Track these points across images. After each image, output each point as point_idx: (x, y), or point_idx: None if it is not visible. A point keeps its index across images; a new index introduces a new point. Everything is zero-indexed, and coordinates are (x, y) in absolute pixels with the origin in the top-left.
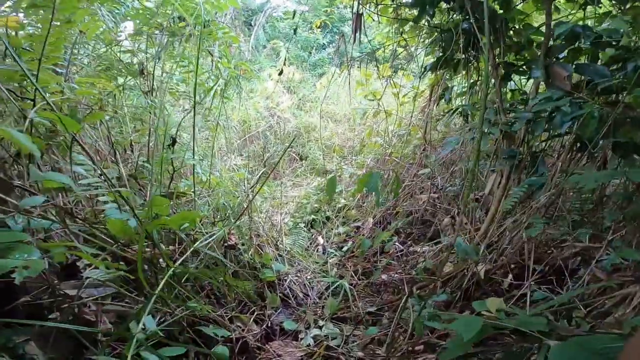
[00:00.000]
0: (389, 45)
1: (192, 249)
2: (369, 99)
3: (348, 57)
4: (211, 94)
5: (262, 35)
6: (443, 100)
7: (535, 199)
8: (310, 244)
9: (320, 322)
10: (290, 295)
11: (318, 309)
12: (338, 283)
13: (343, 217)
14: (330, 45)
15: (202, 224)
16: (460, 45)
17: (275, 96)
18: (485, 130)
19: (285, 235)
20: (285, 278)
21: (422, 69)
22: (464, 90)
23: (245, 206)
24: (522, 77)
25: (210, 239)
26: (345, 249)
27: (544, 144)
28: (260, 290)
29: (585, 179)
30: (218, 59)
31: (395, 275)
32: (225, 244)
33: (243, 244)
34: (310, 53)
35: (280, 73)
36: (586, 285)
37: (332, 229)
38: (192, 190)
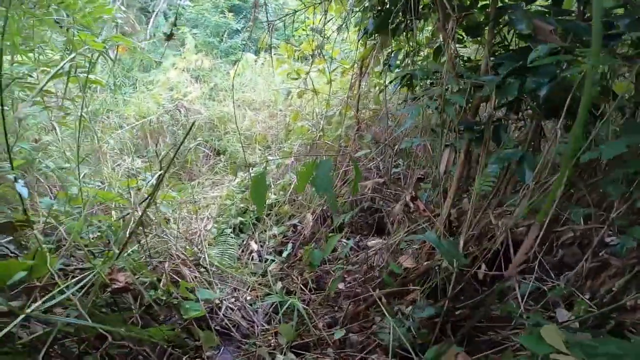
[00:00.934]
0: (304, 11)
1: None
2: (292, 77)
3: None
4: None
5: (162, 22)
6: (377, 72)
7: (518, 175)
8: (242, 251)
9: (279, 356)
10: (231, 326)
11: (270, 338)
12: (288, 302)
13: (275, 214)
14: (244, 30)
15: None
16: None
17: (182, 86)
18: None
19: (209, 246)
20: (219, 305)
21: (362, 30)
22: (398, 61)
23: (131, 227)
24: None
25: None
26: (285, 253)
27: (501, 113)
28: (190, 326)
29: (610, 148)
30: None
31: (354, 281)
32: (110, 289)
33: (144, 280)
34: (222, 39)
35: (169, 37)
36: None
37: (265, 231)
38: (27, 216)
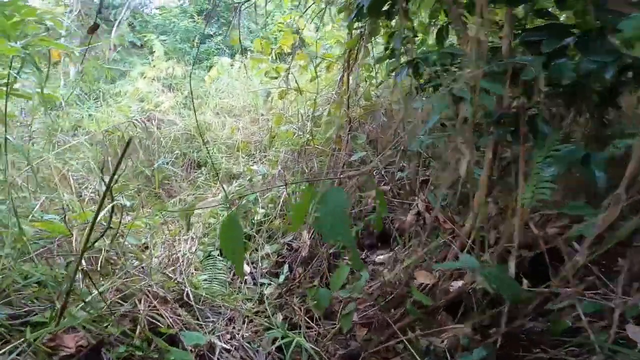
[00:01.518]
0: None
1: None
2: (271, 77)
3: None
4: None
5: (125, 30)
6: (367, 65)
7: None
8: (234, 275)
9: None
10: None
11: None
12: (294, 341)
13: (267, 231)
14: (216, 34)
15: None
16: None
17: (153, 96)
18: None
19: (196, 272)
20: (212, 347)
21: (354, 11)
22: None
23: (74, 273)
24: None
25: None
26: (282, 277)
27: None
28: None
29: None
30: None
31: (370, 311)
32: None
33: (111, 333)
34: (193, 45)
35: (93, 29)
36: None
37: (256, 250)
38: None
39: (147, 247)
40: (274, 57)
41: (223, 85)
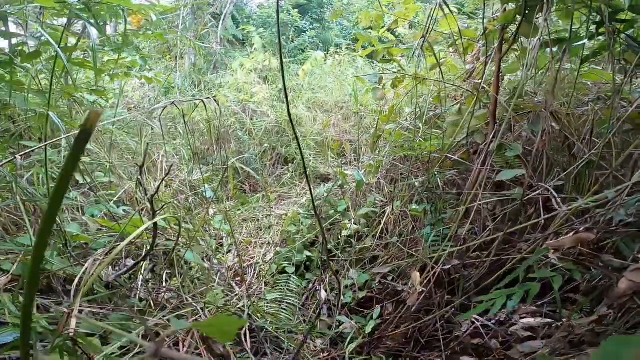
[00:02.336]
0: None
1: None
2: (382, 60)
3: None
4: None
5: (230, 24)
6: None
7: None
8: (307, 298)
9: None
10: None
11: None
12: None
13: (356, 252)
14: (311, 29)
15: None
16: None
17: (248, 87)
18: None
19: (266, 287)
20: None
21: None
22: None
23: None
24: None
25: None
26: (371, 324)
27: None
28: None
29: None
30: None
31: None
32: None
33: None
34: (289, 38)
35: None
36: None
37: (338, 273)
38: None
39: (219, 247)
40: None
41: (316, 80)
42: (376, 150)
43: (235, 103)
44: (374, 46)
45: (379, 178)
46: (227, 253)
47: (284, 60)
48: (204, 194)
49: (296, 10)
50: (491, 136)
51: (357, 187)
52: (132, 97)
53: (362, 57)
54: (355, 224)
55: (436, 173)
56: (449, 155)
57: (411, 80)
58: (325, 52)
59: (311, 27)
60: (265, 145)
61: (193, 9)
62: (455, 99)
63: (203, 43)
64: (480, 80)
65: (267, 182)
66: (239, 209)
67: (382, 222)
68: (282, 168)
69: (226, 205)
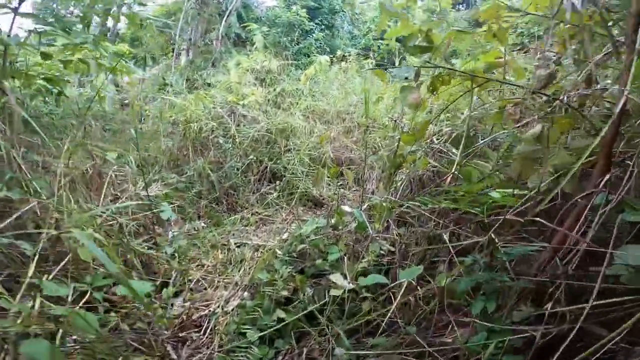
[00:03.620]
0: None
1: None
2: (421, 49)
3: None
4: None
5: (234, 22)
6: None
7: None
8: None
9: None
10: None
11: None
12: None
13: (346, 320)
14: (318, 31)
15: None
16: None
17: (240, 88)
18: None
19: (218, 350)
20: None
21: None
22: None
23: None
24: None
25: None
26: None
27: None
28: None
29: None
30: None
31: None
32: None
33: None
34: (293, 40)
35: None
36: None
37: (320, 346)
38: None
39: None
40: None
41: (318, 86)
42: (391, 186)
43: (222, 104)
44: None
45: (388, 224)
46: (173, 296)
47: (285, 62)
48: (160, 214)
49: (304, 10)
50: (601, 184)
51: (358, 228)
52: (129, 92)
53: (387, 41)
54: (348, 282)
55: (498, 244)
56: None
57: (459, 82)
58: (332, 57)
59: (319, 28)
60: (251, 157)
61: (198, 4)
62: (517, 118)
63: (204, 40)
64: (591, 90)
65: (249, 201)
66: (211, 231)
67: (392, 295)
68: (268, 185)
69: (194, 226)
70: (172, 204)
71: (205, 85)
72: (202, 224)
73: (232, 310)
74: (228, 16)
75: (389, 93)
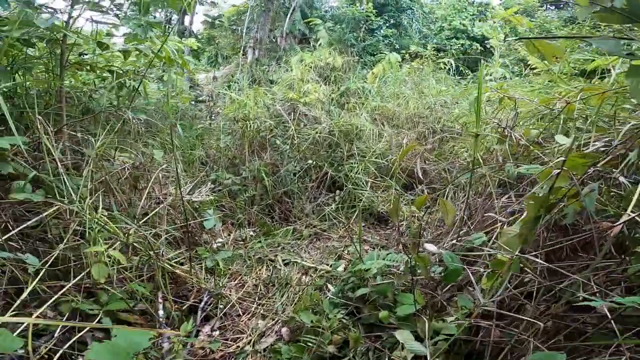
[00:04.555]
0: None
1: None
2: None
3: None
4: None
5: (299, 18)
6: None
7: None
8: None
9: None
10: None
11: None
12: None
13: None
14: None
15: None
16: None
17: (302, 85)
18: None
19: None
20: None
21: None
22: None
23: None
24: None
25: None
26: None
27: None
28: None
29: None
30: None
31: None
32: None
33: None
34: (359, 36)
35: None
36: None
37: None
38: None
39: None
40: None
41: (388, 86)
42: (532, 236)
43: (283, 102)
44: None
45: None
46: (202, 321)
47: (350, 59)
48: (203, 223)
49: (370, 4)
50: None
51: (447, 279)
52: (203, 90)
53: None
54: (424, 347)
55: None
56: None
57: None
58: (403, 54)
59: (387, 24)
60: (310, 161)
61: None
62: None
63: (269, 38)
64: None
65: (303, 211)
66: (259, 241)
67: None
68: (326, 195)
69: (243, 233)
70: (222, 208)
71: (268, 83)
72: (251, 233)
73: (264, 351)
74: (292, 13)
75: (466, 95)
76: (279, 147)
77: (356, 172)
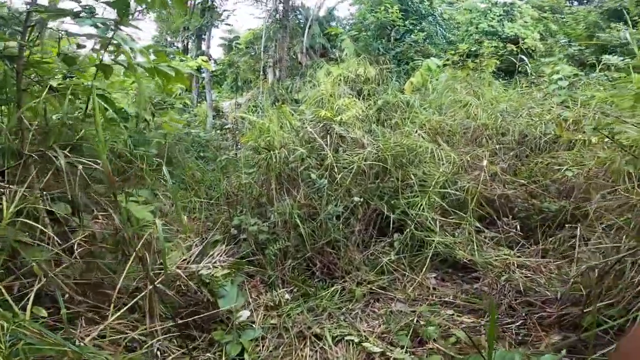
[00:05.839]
0: None
1: None
2: None
3: None
4: None
5: (317, 31)
6: None
7: None
8: None
9: None
10: None
11: None
12: None
13: None
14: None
15: None
16: None
17: (334, 100)
18: None
19: None
20: None
21: None
22: None
23: None
24: None
25: None
26: None
27: None
28: None
29: None
30: None
31: None
32: None
33: None
34: (389, 41)
35: None
36: None
37: None
38: None
39: None
40: None
41: (427, 97)
42: None
43: (313, 122)
44: None
45: None
46: None
47: (383, 68)
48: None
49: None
50: None
51: None
52: (227, 117)
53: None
54: None
55: None
56: None
57: None
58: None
59: (416, 28)
60: (357, 198)
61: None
62: None
63: (289, 55)
64: None
65: (353, 263)
66: (298, 305)
67: None
68: (378, 239)
69: (276, 296)
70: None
71: (292, 102)
72: (287, 295)
73: None
74: (310, 27)
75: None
76: (314, 181)
77: (418, 208)
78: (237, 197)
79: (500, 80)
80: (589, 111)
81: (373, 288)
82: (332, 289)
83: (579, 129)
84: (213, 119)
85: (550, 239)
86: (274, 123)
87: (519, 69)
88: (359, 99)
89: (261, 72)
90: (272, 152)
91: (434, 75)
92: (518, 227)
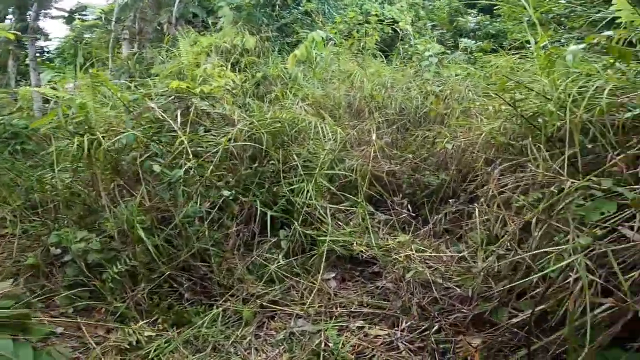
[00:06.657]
0: None
1: None
2: None
3: None
4: None
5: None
6: None
7: None
8: None
9: None
10: None
11: None
12: None
13: None
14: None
15: None
16: None
17: (198, 71)
18: None
19: None
20: None
21: None
22: None
23: None
24: None
25: None
26: None
27: None
28: None
29: None
30: None
31: None
32: None
33: None
34: (273, 11)
35: None
36: None
37: None
38: None
39: None
40: None
41: (310, 71)
42: None
43: (163, 97)
44: None
45: None
46: None
47: (265, 39)
48: None
49: None
50: None
51: None
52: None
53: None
54: None
55: None
56: None
57: None
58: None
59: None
60: (226, 192)
61: None
62: None
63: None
64: None
65: (233, 275)
66: (169, 343)
67: None
68: (266, 239)
69: (129, 333)
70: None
71: (149, 75)
72: (148, 330)
73: None
74: None
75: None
76: (160, 176)
77: (307, 196)
78: (54, 204)
79: (379, 57)
80: (460, 86)
81: (264, 303)
82: (212, 312)
83: (449, 104)
84: (45, 103)
85: (437, 216)
86: (89, 97)
87: (395, 48)
88: (234, 72)
89: (110, 46)
90: (87, 137)
91: (319, 49)
92: (409, 206)
